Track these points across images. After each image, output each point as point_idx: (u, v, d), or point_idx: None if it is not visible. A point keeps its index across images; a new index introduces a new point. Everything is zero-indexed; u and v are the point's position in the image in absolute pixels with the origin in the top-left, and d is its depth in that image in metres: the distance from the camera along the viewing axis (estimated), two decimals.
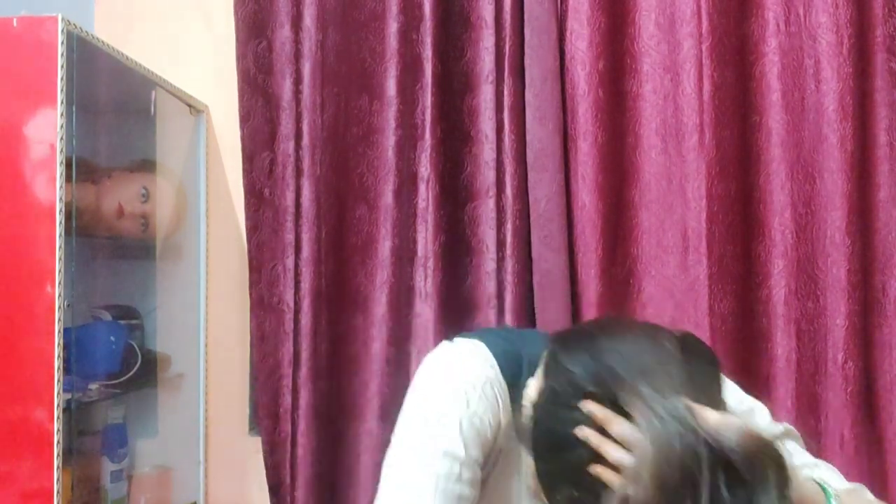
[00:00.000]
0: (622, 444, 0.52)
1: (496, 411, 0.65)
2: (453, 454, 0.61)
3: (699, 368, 0.57)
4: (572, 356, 0.57)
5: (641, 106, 1.19)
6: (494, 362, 0.67)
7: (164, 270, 1.38)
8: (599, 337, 0.58)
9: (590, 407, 0.54)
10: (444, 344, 0.71)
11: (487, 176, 1.21)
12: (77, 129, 1.01)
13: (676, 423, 0.50)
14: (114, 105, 1.29)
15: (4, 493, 0.97)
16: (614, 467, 0.52)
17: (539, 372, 0.61)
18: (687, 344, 0.59)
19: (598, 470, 0.53)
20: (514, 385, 0.66)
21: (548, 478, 0.58)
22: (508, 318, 1.18)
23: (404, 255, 1.22)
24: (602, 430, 0.53)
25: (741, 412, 0.67)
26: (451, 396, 0.64)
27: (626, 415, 0.53)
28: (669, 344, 0.58)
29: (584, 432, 0.53)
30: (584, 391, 0.55)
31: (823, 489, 0.60)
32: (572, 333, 0.62)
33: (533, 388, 0.60)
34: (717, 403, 0.56)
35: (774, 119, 1.15)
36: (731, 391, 0.70)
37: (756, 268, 1.17)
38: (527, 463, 0.63)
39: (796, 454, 0.69)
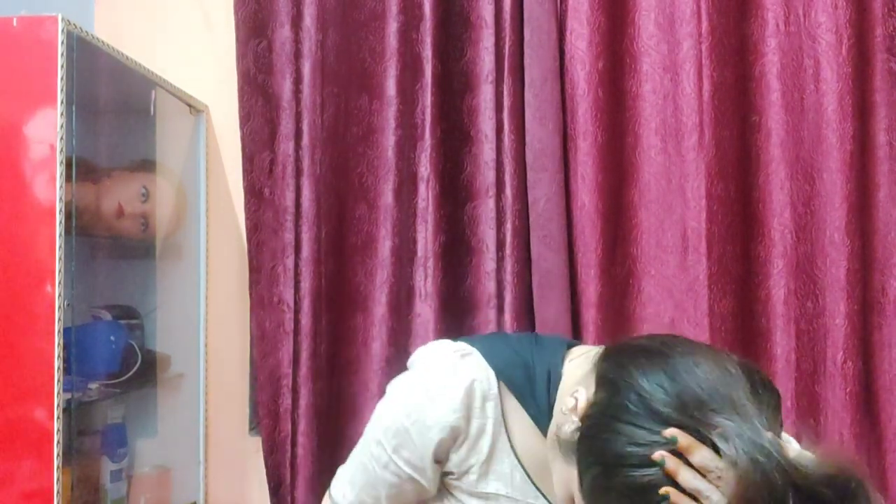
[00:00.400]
0: (702, 471, 0.51)
1: (473, 415, 0.66)
2: (413, 465, 0.66)
3: (766, 399, 0.56)
4: (647, 374, 0.56)
5: (641, 106, 1.19)
6: (488, 368, 0.67)
7: (164, 270, 1.38)
8: (673, 357, 0.57)
9: (673, 432, 0.53)
10: (438, 343, 0.72)
11: (487, 176, 1.21)
12: (77, 129, 1.01)
13: (763, 455, 0.49)
14: (114, 105, 1.29)
15: (4, 493, 0.97)
16: (690, 495, 0.51)
17: (588, 382, 0.60)
18: (751, 372, 0.58)
19: (672, 495, 0.51)
20: (524, 392, 0.66)
21: (598, 492, 0.56)
22: (508, 318, 1.18)
23: (404, 255, 1.22)
24: (679, 455, 0.52)
25: None
26: (401, 411, 0.68)
27: (706, 440, 0.52)
28: (735, 370, 0.58)
29: (663, 455, 0.52)
30: (663, 413, 0.54)
31: None
32: (638, 349, 0.60)
33: (582, 398, 0.59)
34: (780, 434, 0.56)
35: (774, 119, 1.15)
36: None
37: (755, 267, 1.17)
38: (559, 472, 0.63)
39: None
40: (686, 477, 0.52)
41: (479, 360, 0.68)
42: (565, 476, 0.61)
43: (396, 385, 0.71)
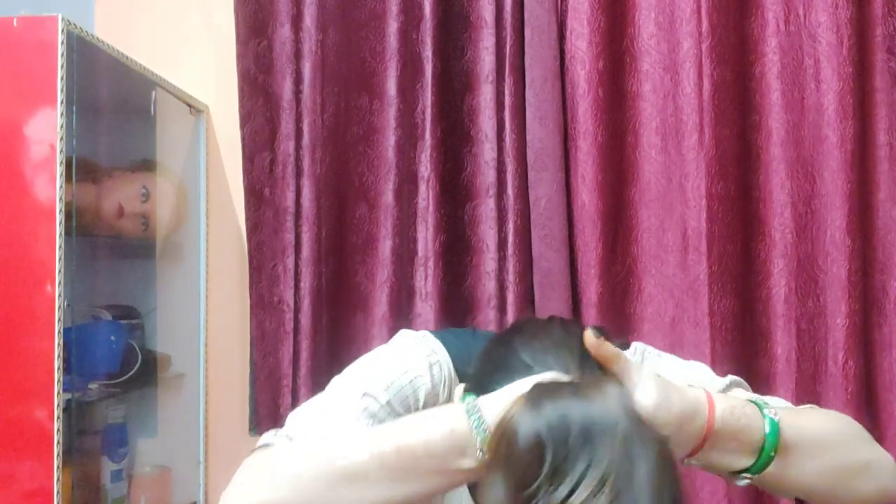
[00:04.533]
0: None
1: (435, 387, 0.65)
2: (374, 397, 0.63)
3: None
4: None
5: (641, 105, 1.19)
6: (447, 355, 0.68)
7: (164, 270, 1.38)
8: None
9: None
10: (405, 330, 0.72)
11: (487, 175, 1.21)
12: (77, 129, 1.01)
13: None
14: (114, 105, 1.29)
15: (4, 493, 0.97)
16: None
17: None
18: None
19: None
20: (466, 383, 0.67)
21: None
22: (509, 318, 1.18)
23: (404, 255, 1.22)
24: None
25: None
26: (393, 363, 0.66)
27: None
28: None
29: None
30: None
31: (756, 403, 0.58)
32: (487, 348, 0.63)
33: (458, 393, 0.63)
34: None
35: (774, 118, 1.15)
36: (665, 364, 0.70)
37: (756, 267, 1.17)
38: None
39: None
40: None
41: (437, 345, 0.68)
42: None
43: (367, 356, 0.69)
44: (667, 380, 0.55)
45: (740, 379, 0.71)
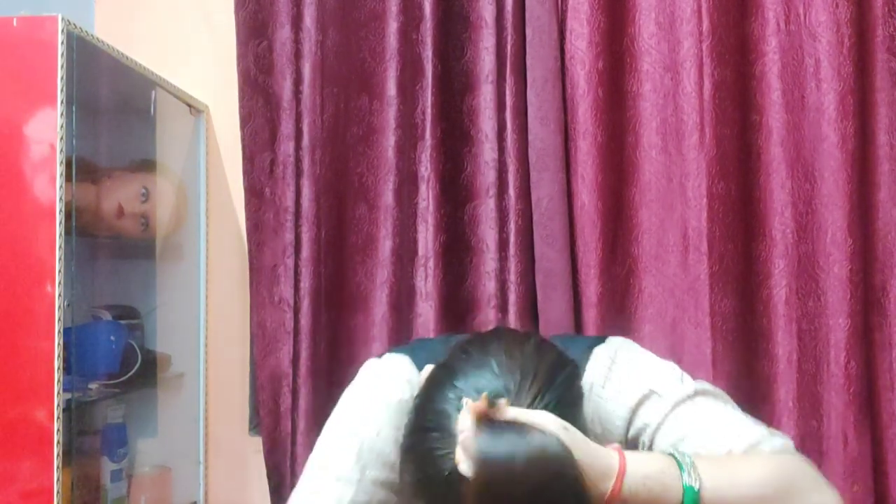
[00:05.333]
0: None
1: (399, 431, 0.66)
2: (346, 479, 0.65)
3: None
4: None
5: (641, 105, 1.19)
6: (417, 379, 0.68)
7: (164, 270, 1.38)
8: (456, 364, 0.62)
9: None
10: (370, 361, 0.73)
11: (488, 176, 1.21)
12: (77, 129, 1.01)
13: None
14: (114, 105, 1.29)
15: (4, 493, 0.97)
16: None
17: None
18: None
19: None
20: None
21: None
22: (511, 318, 1.18)
23: (405, 255, 1.22)
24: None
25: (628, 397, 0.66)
26: (357, 419, 0.68)
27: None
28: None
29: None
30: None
31: (680, 464, 0.56)
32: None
33: None
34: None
35: (775, 118, 1.15)
36: (626, 376, 0.68)
37: (757, 267, 1.16)
38: None
39: (699, 414, 0.65)
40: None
41: (404, 362, 0.70)
42: None
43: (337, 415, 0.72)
44: (580, 437, 0.54)
45: (709, 387, 0.68)
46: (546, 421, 0.53)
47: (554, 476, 0.50)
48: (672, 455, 0.58)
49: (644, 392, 0.66)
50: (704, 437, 0.63)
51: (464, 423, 0.53)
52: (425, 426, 0.57)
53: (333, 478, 0.65)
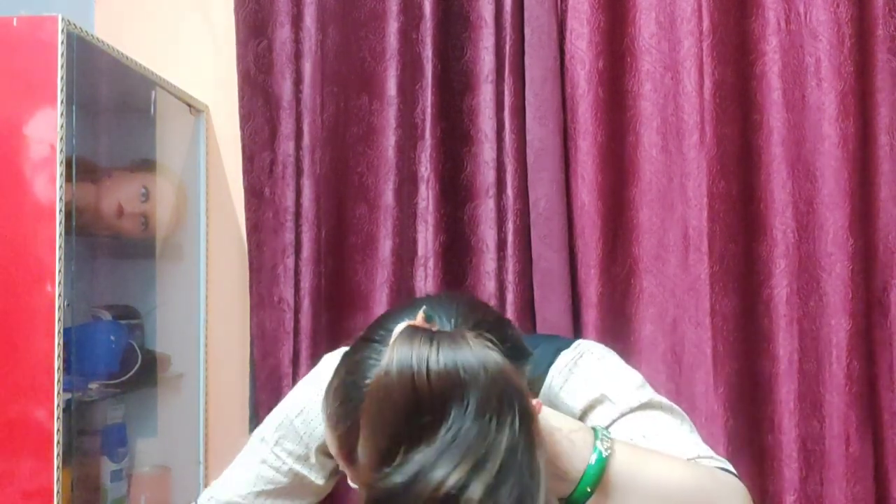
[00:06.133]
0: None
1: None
2: (265, 441, 0.75)
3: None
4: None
5: (642, 105, 1.19)
6: None
7: (164, 270, 1.37)
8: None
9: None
10: (326, 355, 0.78)
11: (487, 176, 1.21)
12: (77, 129, 1.01)
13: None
14: (114, 105, 1.29)
15: (4, 493, 0.97)
16: None
17: None
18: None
19: None
20: None
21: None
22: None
23: (404, 255, 1.22)
24: None
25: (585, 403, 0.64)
26: (289, 397, 0.76)
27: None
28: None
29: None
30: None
31: (597, 433, 0.53)
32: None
33: None
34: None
35: (775, 117, 1.15)
36: (582, 380, 0.66)
37: (758, 267, 1.16)
38: None
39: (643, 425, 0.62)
40: None
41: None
42: None
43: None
44: None
45: (666, 402, 0.65)
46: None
47: (501, 373, 0.45)
48: (592, 427, 0.55)
49: (596, 396, 0.64)
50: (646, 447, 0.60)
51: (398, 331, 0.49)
52: (364, 341, 0.57)
53: (259, 438, 0.77)
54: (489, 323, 0.57)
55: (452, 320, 0.55)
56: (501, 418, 0.44)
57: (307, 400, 0.74)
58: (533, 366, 0.60)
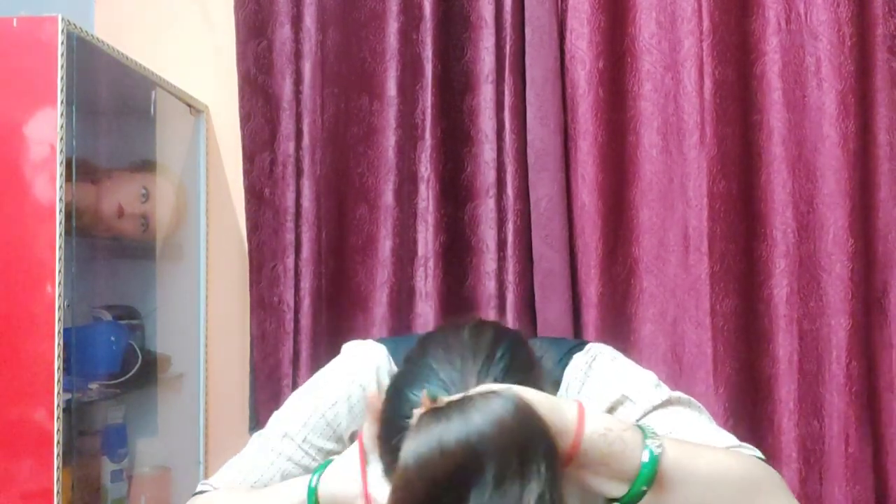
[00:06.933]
0: None
1: (354, 410, 0.69)
2: (290, 437, 0.70)
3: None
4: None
5: (642, 105, 1.19)
6: (390, 364, 0.70)
7: (164, 270, 1.37)
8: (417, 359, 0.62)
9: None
10: (350, 343, 0.76)
11: (488, 176, 1.21)
12: (77, 129, 1.01)
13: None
14: (114, 105, 1.29)
15: (4, 493, 0.97)
16: None
17: None
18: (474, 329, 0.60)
19: None
20: None
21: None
22: (509, 318, 1.18)
23: (405, 255, 1.22)
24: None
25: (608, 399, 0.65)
26: (318, 388, 0.72)
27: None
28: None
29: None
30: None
31: (644, 430, 0.54)
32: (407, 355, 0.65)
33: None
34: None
35: (776, 117, 1.15)
36: (607, 375, 0.68)
37: (758, 267, 1.16)
38: None
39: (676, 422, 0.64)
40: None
41: (374, 358, 0.71)
42: None
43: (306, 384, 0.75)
44: (538, 393, 0.51)
45: (684, 396, 0.67)
46: (488, 387, 0.50)
47: (516, 423, 0.45)
48: (637, 424, 0.56)
49: (616, 397, 0.66)
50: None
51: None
52: (390, 439, 0.56)
53: (281, 433, 0.71)
54: (497, 356, 0.56)
55: (457, 373, 0.55)
56: (526, 474, 0.44)
57: (339, 392, 0.70)
58: (547, 372, 0.61)
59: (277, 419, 0.73)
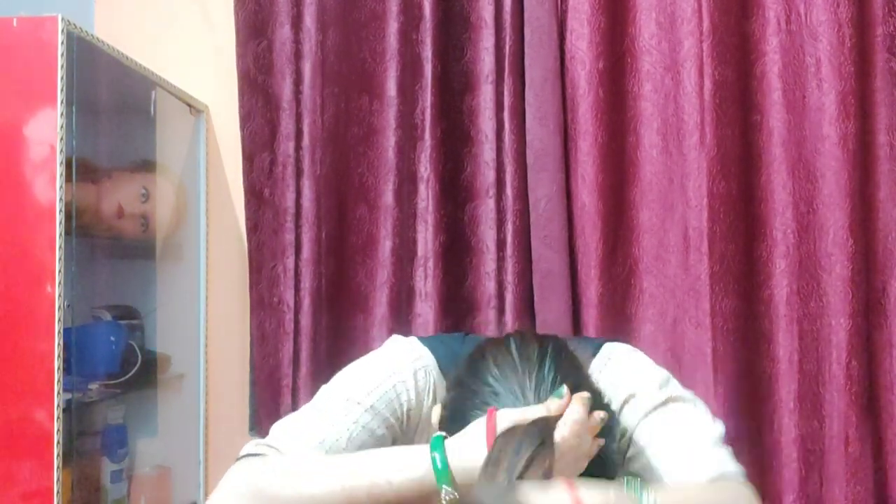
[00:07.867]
0: None
1: (419, 393, 0.70)
2: (357, 401, 0.67)
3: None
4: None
5: (642, 105, 1.19)
6: (434, 361, 0.71)
7: (164, 270, 1.37)
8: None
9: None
10: (399, 338, 0.76)
11: (487, 176, 1.21)
12: (77, 129, 1.01)
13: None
14: (114, 105, 1.29)
15: (4, 493, 0.97)
16: None
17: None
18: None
19: None
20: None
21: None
22: (509, 318, 1.18)
23: (404, 256, 1.22)
24: None
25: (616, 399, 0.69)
26: (383, 365, 0.71)
27: None
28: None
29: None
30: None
31: (633, 489, 0.57)
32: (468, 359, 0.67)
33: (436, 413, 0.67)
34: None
35: (776, 118, 1.15)
36: (619, 371, 0.71)
37: (758, 267, 1.16)
38: None
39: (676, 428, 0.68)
40: None
41: (425, 351, 0.72)
42: None
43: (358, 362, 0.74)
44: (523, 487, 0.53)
45: (689, 395, 0.71)
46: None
47: None
48: (626, 481, 0.59)
49: (624, 397, 0.70)
50: (667, 452, 0.66)
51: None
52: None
53: (344, 398, 0.67)
54: (546, 368, 0.61)
55: (513, 394, 0.60)
56: None
57: (400, 371, 0.70)
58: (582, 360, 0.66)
59: (330, 389, 0.70)
